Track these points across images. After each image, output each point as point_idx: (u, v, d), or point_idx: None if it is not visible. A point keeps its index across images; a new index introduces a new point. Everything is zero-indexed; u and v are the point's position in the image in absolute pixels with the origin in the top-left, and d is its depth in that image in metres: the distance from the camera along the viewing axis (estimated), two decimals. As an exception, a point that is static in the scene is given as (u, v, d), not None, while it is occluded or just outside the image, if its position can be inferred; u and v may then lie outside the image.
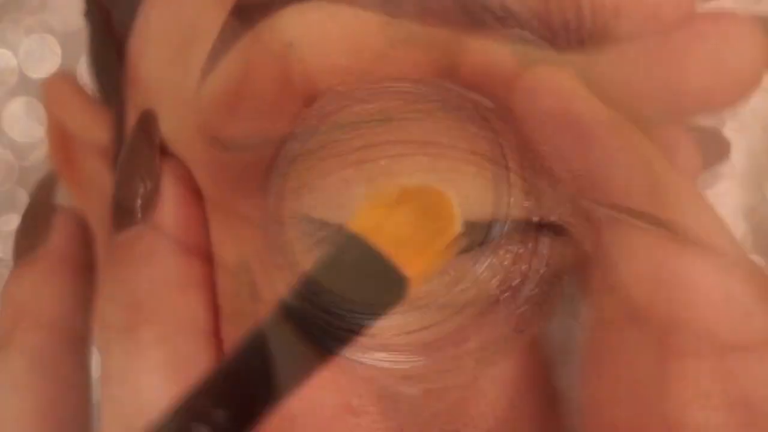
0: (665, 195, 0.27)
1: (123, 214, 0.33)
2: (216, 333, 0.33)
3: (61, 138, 0.41)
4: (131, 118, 0.35)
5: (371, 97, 0.29)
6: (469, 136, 0.29)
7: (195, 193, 0.33)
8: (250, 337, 0.27)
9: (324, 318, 0.27)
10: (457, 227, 0.28)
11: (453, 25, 0.27)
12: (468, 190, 0.29)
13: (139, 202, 0.33)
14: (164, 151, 0.34)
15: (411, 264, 0.28)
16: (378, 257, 0.27)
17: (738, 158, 0.33)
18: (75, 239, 0.39)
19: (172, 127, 0.34)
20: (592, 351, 0.28)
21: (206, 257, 0.33)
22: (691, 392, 0.27)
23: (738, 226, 0.34)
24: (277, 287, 0.31)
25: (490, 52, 0.27)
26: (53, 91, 0.41)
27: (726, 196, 0.33)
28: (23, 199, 0.82)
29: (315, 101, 0.29)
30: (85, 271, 0.39)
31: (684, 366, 0.27)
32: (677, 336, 0.27)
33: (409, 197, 0.28)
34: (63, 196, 0.40)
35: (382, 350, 0.29)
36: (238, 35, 0.29)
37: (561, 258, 0.30)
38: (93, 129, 0.40)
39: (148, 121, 0.34)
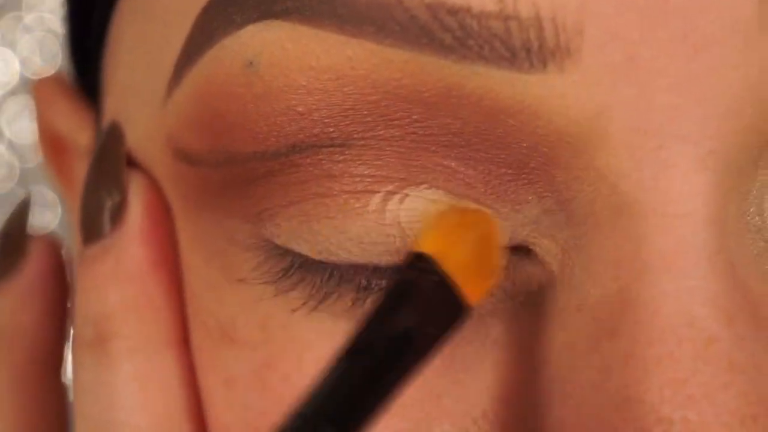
0: (629, 214, 0.27)
1: (91, 228, 0.33)
2: (185, 343, 0.33)
3: (53, 140, 0.41)
4: (105, 125, 0.35)
5: (331, 119, 0.28)
6: (430, 166, 0.29)
7: (162, 206, 0.33)
8: (354, 347, 0.27)
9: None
10: (501, 243, 0.28)
11: (412, 46, 0.27)
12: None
13: (106, 215, 0.33)
14: (132, 164, 0.34)
15: (473, 290, 0.28)
16: (451, 287, 0.27)
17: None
18: (50, 264, 0.39)
19: (141, 138, 0.33)
20: (559, 373, 0.28)
21: (174, 269, 0.33)
22: (651, 419, 0.26)
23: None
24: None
25: (453, 74, 0.27)
26: (42, 93, 0.41)
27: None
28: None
29: (274, 121, 0.28)
30: (60, 295, 0.39)
31: (645, 393, 0.26)
32: (639, 361, 0.27)
33: (469, 220, 0.28)
34: (34, 224, 0.41)
35: None
36: (202, 51, 0.29)
37: (529, 278, 0.30)
38: (80, 131, 0.39)
39: (114, 134, 0.34)
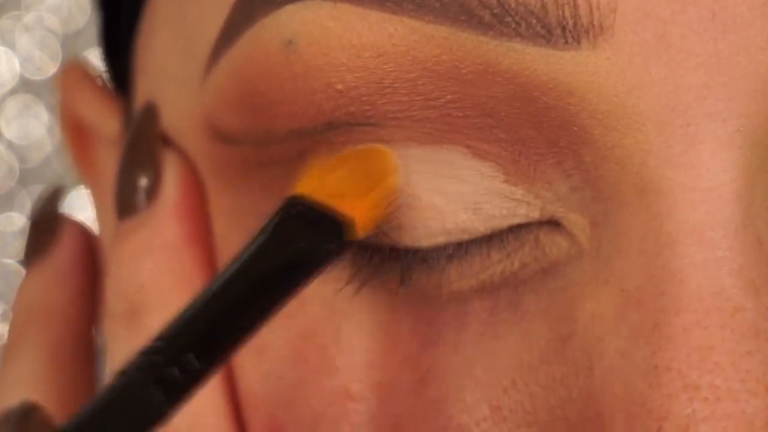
0: (656, 189, 0.28)
1: (126, 203, 0.34)
2: None
3: (75, 128, 0.42)
4: (138, 107, 0.36)
5: (368, 97, 0.28)
6: (460, 148, 0.29)
7: (196, 183, 0.33)
8: (216, 285, 0.28)
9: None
10: (399, 177, 0.29)
11: (452, 23, 0.28)
12: (472, 195, 0.29)
13: (141, 191, 0.33)
14: (167, 143, 0.34)
15: (355, 209, 0.28)
16: (321, 210, 0.28)
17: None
18: (82, 245, 0.39)
19: (176, 119, 0.34)
20: (586, 344, 0.28)
21: (207, 245, 0.33)
22: (679, 385, 0.27)
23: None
24: None
25: (491, 51, 0.28)
26: (68, 80, 0.42)
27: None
28: (23, 198, 0.82)
29: (312, 99, 0.29)
30: (92, 276, 0.39)
31: (672, 359, 0.27)
32: (666, 330, 0.27)
33: (348, 157, 0.29)
34: (65, 197, 0.41)
35: None
36: (240, 32, 0.30)
37: (558, 250, 0.30)
38: (106, 119, 0.40)
39: (149, 113, 0.34)
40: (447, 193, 0.30)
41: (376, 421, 0.30)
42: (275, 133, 0.30)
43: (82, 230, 0.39)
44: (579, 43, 0.27)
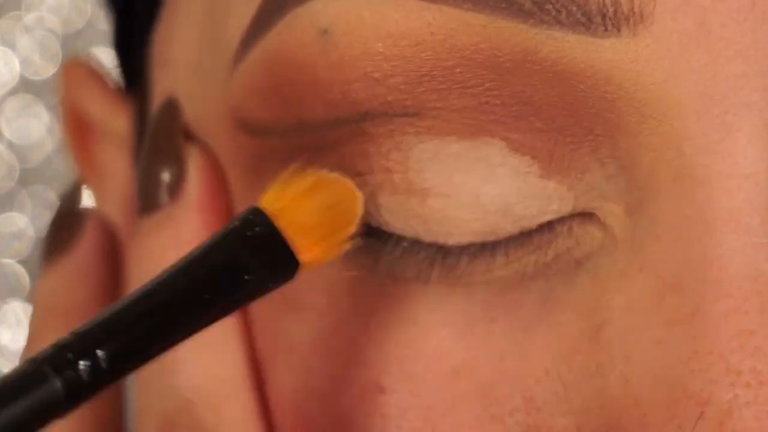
0: (692, 177, 0.28)
1: (148, 199, 0.34)
2: (245, 312, 0.33)
3: (78, 126, 0.42)
4: (158, 101, 0.35)
5: (406, 86, 0.28)
6: (496, 140, 0.29)
7: (220, 178, 0.33)
8: (148, 285, 0.28)
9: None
10: (356, 226, 0.29)
11: (491, 10, 0.28)
12: (504, 197, 0.30)
13: (164, 187, 0.33)
14: (189, 137, 0.34)
15: (308, 250, 0.28)
16: (278, 238, 0.28)
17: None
18: (103, 242, 0.39)
19: (200, 111, 0.34)
20: (622, 332, 0.28)
21: None
22: (721, 369, 0.27)
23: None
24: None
25: (530, 38, 0.28)
26: (73, 76, 0.42)
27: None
28: (23, 198, 0.82)
29: (349, 88, 0.29)
30: (113, 272, 0.39)
31: (713, 344, 0.27)
32: (706, 315, 0.27)
33: (321, 186, 0.29)
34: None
35: None
36: (272, 22, 0.30)
37: (592, 240, 0.30)
38: (112, 117, 0.40)
39: (171, 107, 0.34)
40: (479, 193, 0.30)
41: (408, 414, 0.30)
42: (308, 123, 0.30)
43: (103, 225, 0.39)
44: (619, 30, 0.27)
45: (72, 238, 0.38)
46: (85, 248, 0.38)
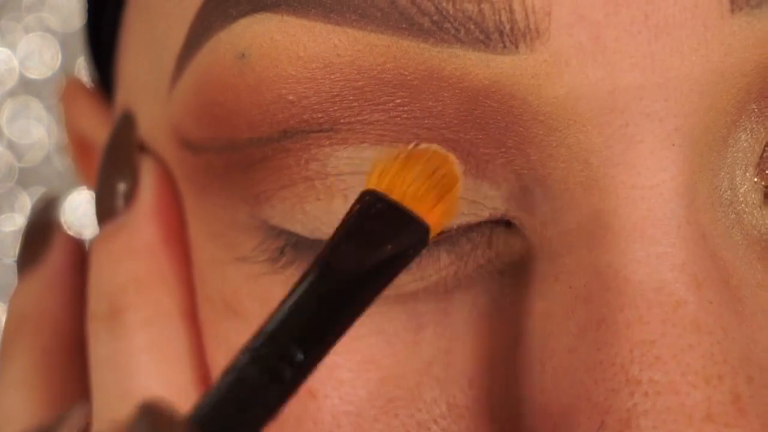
0: (600, 188, 0.28)
1: (105, 209, 0.35)
2: (193, 316, 0.34)
3: (79, 143, 0.43)
4: (117, 113, 0.37)
5: (319, 105, 0.29)
6: (418, 140, 0.30)
7: (171, 188, 0.35)
8: (316, 281, 0.28)
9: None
10: (460, 182, 0.29)
11: (393, 31, 0.28)
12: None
13: (119, 196, 0.34)
14: (143, 149, 0.35)
15: (429, 215, 0.29)
16: (400, 210, 0.29)
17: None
18: (74, 254, 0.40)
19: (150, 128, 0.35)
20: (538, 339, 0.29)
21: (182, 246, 0.34)
22: (621, 379, 0.27)
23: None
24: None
25: (433, 57, 0.28)
26: (68, 95, 0.43)
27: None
28: (23, 199, 0.82)
29: (267, 109, 0.30)
30: (83, 283, 0.40)
31: (616, 354, 0.27)
32: (610, 325, 0.27)
33: (415, 158, 0.29)
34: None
35: None
36: (200, 45, 0.31)
37: (510, 249, 0.30)
38: (101, 129, 0.41)
39: (126, 121, 0.35)
40: None
41: (339, 419, 0.30)
42: (236, 142, 0.31)
43: (73, 239, 0.40)
44: (517, 47, 0.28)
45: (44, 249, 0.40)
46: (56, 259, 0.39)
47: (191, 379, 0.33)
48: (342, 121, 0.29)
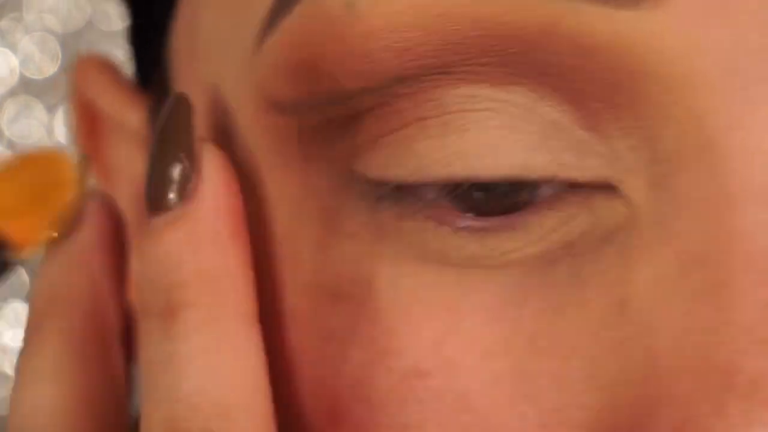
0: (715, 151, 0.28)
1: (159, 197, 0.32)
2: (256, 318, 0.32)
3: (90, 121, 0.41)
4: (193, 94, 0.34)
5: (432, 52, 0.29)
6: (533, 85, 0.29)
7: (235, 177, 0.33)
8: None
9: None
10: (74, 190, 0.27)
11: None
12: (520, 148, 0.30)
13: (176, 184, 0.32)
14: (201, 136, 0.33)
15: (21, 231, 0.27)
16: None
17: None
18: (107, 226, 0.38)
19: (233, 95, 0.33)
20: (648, 305, 0.29)
21: (247, 241, 0.33)
22: (748, 340, 0.27)
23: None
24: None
25: (552, 10, 0.28)
26: (86, 71, 0.41)
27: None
28: (23, 199, 0.82)
29: (377, 58, 0.29)
30: (117, 257, 0.38)
31: (740, 316, 0.27)
32: (733, 287, 0.27)
33: (25, 164, 0.27)
34: (94, 184, 0.40)
35: None
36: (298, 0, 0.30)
37: (616, 215, 0.30)
38: (126, 112, 0.39)
39: (184, 103, 0.33)
40: (514, 128, 0.30)
41: (443, 397, 0.30)
42: (337, 95, 0.30)
43: (108, 208, 0.38)
44: (639, 2, 0.27)
45: (74, 223, 0.37)
46: (88, 233, 0.37)
47: (253, 383, 0.31)
48: (455, 66, 0.29)
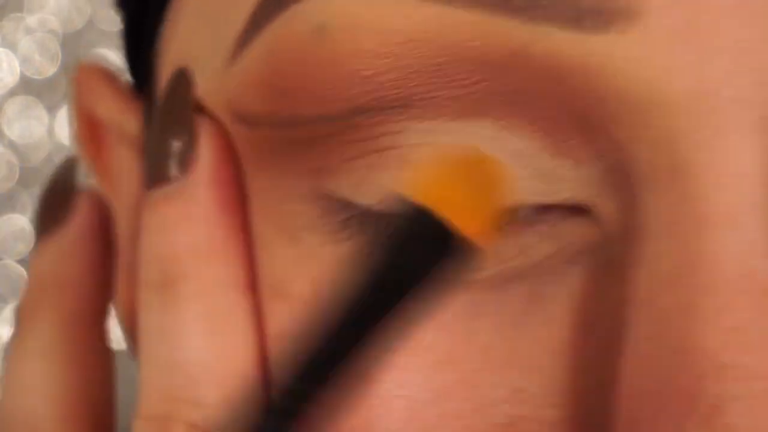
0: (688, 173, 0.28)
1: (158, 171, 0.33)
2: (252, 288, 0.33)
3: (90, 126, 0.42)
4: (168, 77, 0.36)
5: (395, 82, 0.29)
6: (490, 121, 0.29)
7: (231, 151, 0.33)
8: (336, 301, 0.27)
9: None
10: (509, 189, 0.29)
11: (482, 8, 0.28)
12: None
13: (174, 158, 0.33)
14: (201, 110, 0.34)
15: (475, 228, 0.28)
16: (447, 225, 0.27)
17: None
18: (96, 217, 0.39)
19: (205, 98, 0.33)
20: (614, 326, 0.29)
21: (243, 214, 0.33)
22: (710, 364, 0.27)
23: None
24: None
25: (521, 35, 0.28)
26: (84, 79, 0.42)
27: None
28: (23, 199, 0.82)
29: (341, 85, 0.29)
30: (106, 249, 0.39)
31: (704, 340, 0.27)
32: (698, 311, 0.27)
33: (463, 164, 0.29)
34: (84, 177, 0.41)
35: None
36: (272, 18, 0.30)
37: (583, 237, 0.30)
38: (125, 118, 0.40)
39: (182, 78, 0.34)
40: None
41: (393, 404, 0.30)
42: (301, 117, 0.30)
43: (96, 200, 0.39)
44: (609, 27, 0.27)
45: (65, 213, 0.39)
46: (78, 224, 0.38)
47: (247, 354, 0.32)
48: (417, 98, 0.29)
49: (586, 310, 0.29)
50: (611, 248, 0.29)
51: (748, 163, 0.27)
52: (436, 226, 0.28)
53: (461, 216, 0.28)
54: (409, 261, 0.27)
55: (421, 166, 0.29)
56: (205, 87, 0.33)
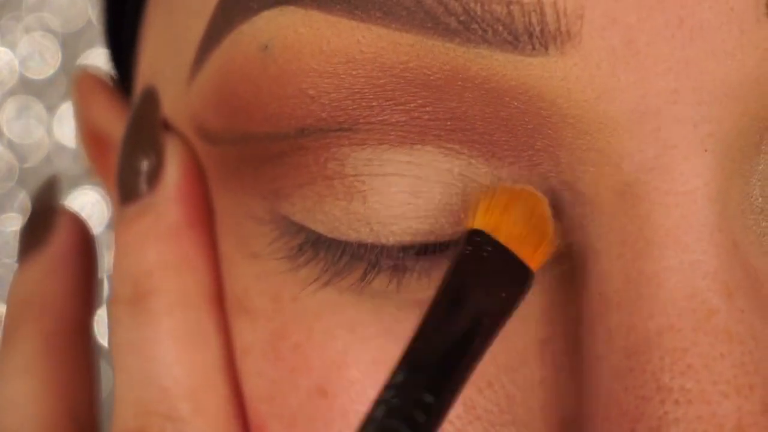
0: (632, 193, 0.28)
1: (128, 188, 0.34)
2: (220, 302, 0.33)
3: (92, 132, 0.43)
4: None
5: (339, 103, 0.29)
6: (433, 149, 0.29)
7: (198, 168, 0.34)
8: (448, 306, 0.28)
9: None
10: (553, 225, 0.29)
11: (418, 30, 0.28)
12: (441, 196, 0.30)
13: (143, 175, 0.34)
14: (168, 128, 0.35)
15: (531, 259, 0.29)
16: (508, 254, 0.29)
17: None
18: (77, 236, 0.40)
19: (169, 111, 0.34)
20: (566, 347, 0.29)
21: (209, 229, 0.34)
22: (652, 387, 0.27)
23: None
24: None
25: (458, 57, 0.28)
26: (82, 89, 0.43)
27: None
28: (23, 199, 0.82)
29: (285, 104, 0.30)
30: (87, 267, 0.40)
31: (647, 361, 0.27)
32: (640, 332, 0.27)
33: (516, 198, 0.29)
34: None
35: None
36: (222, 37, 0.31)
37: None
38: (120, 124, 0.40)
39: (150, 97, 0.35)
40: (418, 193, 0.30)
41: (349, 418, 0.30)
42: (251, 135, 0.30)
43: (77, 221, 0.40)
44: (546, 49, 0.27)
45: (47, 233, 0.39)
46: (60, 243, 0.39)
47: (217, 366, 0.33)
48: (362, 121, 0.29)
49: (539, 328, 0.30)
50: (564, 268, 0.29)
51: (694, 182, 0.27)
52: (512, 259, 0.29)
53: (526, 249, 0.28)
54: (496, 294, 0.28)
55: (487, 205, 0.29)
56: (171, 104, 0.34)
